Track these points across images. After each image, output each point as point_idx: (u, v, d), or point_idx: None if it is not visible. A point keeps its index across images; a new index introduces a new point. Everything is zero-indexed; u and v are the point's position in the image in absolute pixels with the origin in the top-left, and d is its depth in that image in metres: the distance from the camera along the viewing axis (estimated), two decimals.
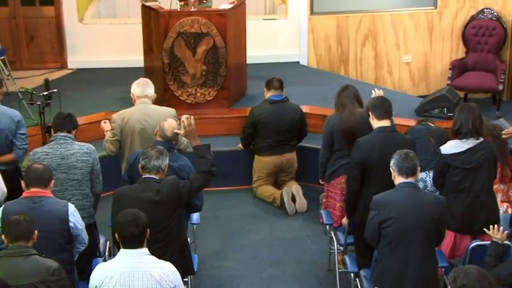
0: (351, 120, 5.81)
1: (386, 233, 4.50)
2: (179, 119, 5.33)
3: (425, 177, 5.80)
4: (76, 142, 5.29)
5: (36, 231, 4.10)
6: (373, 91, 5.94)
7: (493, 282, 3.48)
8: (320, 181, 6.26)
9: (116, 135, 5.77)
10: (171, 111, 5.88)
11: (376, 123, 5.25)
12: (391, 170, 4.63)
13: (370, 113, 5.27)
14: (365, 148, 5.16)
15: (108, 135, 5.85)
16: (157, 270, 3.92)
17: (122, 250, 3.97)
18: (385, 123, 5.22)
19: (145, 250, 3.97)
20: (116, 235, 4.01)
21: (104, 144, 5.86)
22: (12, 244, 4.02)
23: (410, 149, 4.74)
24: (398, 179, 4.59)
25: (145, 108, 5.81)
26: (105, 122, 6.01)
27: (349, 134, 5.76)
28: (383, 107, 5.24)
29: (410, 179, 4.56)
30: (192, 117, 5.13)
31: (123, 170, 5.50)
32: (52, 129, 5.48)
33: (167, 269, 3.97)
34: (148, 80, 6.01)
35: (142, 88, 5.88)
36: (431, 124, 6.24)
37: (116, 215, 4.35)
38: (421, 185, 5.70)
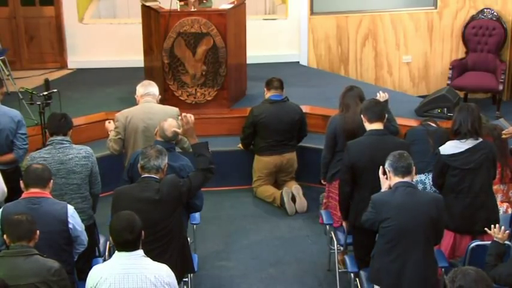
0: (354, 121, 5.78)
1: (384, 233, 4.50)
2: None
3: (425, 179, 5.78)
4: (73, 145, 5.23)
5: (37, 231, 4.10)
6: (378, 94, 5.92)
7: (490, 285, 3.48)
8: (321, 181, 6.26)
9: (119, 133, 5.81)
10: (175, 110, 5.92)
11: (367, 126, 5.22)
12: (387, 172, 4.62)
13: (362, 116, 5.25)
14: (354, 151, 5.13)
15: (111, 134, 5.88)
16: (152, 271, 3.91)
17: (116, 252, 3.98)
18: (377, 126, 5.19)
19: (140, 252, 3.96)
20: (111, 239, 4.01)
21: (107, 143, 5.89)
22: (13, 244, 4.02)
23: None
24: (394, 179, 4.57)
25: (148, 107, 5.85)
26: (109, 122, 6.04)
27: (351, 135, 5.73)
28: (375, 110, 5.20)
29: (406, 179, 4.55)
30: (189, 115, 5.13)
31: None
32: (47, 132, 5.38)
33: (162, 271, 3.96)
34: (151, 82, 6.13)
35: (145, 87, 5.98)
36: (432, 124, 6.21)
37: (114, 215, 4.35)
38: (420, 187, 5.68)
